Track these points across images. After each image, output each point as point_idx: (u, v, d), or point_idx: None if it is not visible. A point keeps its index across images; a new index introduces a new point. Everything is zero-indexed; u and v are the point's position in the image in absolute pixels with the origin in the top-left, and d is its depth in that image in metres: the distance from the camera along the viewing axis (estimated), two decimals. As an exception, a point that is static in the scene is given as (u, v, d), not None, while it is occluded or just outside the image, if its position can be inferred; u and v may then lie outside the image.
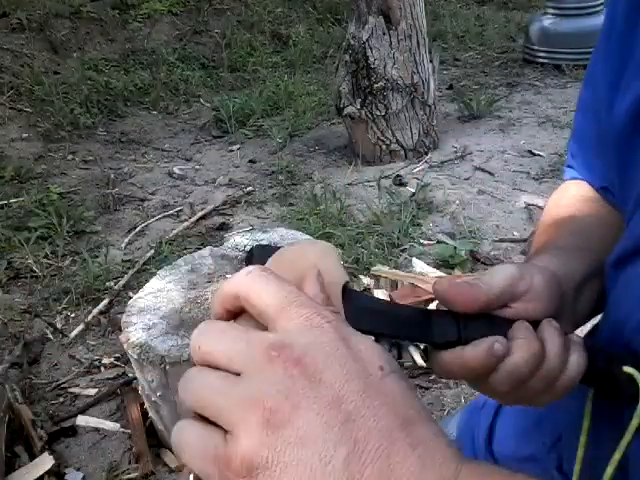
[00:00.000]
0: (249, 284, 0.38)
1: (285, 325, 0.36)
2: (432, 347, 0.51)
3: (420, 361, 2.07)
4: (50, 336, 2.33)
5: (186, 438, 0.36)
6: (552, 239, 0.65)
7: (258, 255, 0.47)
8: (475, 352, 0.48)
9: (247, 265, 0.45)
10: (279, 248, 0.46)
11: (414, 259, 2.55)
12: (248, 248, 0.50)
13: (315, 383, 0.33)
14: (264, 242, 2.04)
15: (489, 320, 0.51)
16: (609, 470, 0.49)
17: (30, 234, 2.86)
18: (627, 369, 0.49)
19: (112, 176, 3.56)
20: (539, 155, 3.56)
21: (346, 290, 0.44)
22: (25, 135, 4.02)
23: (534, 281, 0.53)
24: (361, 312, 0.45)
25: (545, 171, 3.35)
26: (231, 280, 0.40)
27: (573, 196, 0.70)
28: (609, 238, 0.61)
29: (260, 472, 0.32)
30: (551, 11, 4.98)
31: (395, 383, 0.35)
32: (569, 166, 0.73)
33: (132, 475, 1.74)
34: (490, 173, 3.41)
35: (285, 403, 0.33)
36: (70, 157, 3.84)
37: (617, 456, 0.49)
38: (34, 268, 2.68)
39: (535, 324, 0.51)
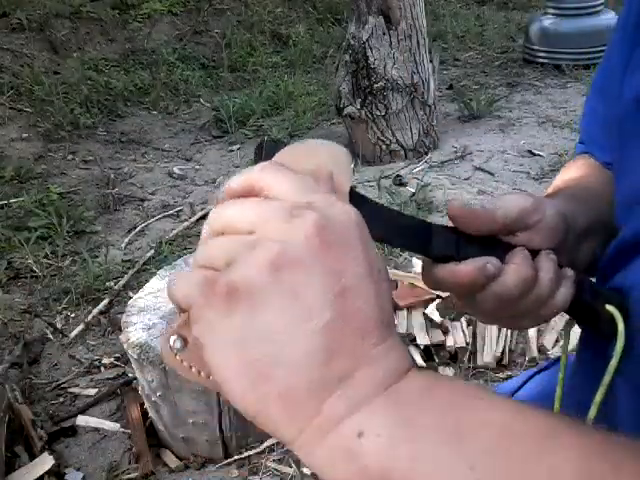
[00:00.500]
0: (264, 177, 0.38)
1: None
2: (428, 259, 0.52)
3: (420, 361, 2.07)
4: (50, 336, 2.33)
5: (181, 275, 0.36)
6: (561, 189, 0.67)
7: (268, 149, 0.47)
8: (467, 269, 0.49)
9: (256, 158, 0.46)
10: (288, 144, 0.46)
11: (414, 259, 2.55)
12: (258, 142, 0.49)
13: (325, 250, 0.34)
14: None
15: (489, 242, 0.52)
16: (592, 410, 0.50)
17: (30, 234, 2.86)
18: (609, 308, 0.50)
19: (112, 176, 3.56)
20: (539, 155, 3.56)
21: (352, 194, 0.45)
22: (25, 135, 4.02)
23: (546, 215, 0.54)
24: (365, 217, 0.45)
25: (545, 171, 3.35)
26: (243, 174, 0.39)
27: (580, 167, 0.72)
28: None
29: (240, 299, 0.33)
30: (551, 11, 4.98)
31: (387, 289, 0.38)
32: (581, 142, 0.75)
33: (132, 475, 1.74)
34: (490, 173, 3.41)
35: (292, 253, 0.34)
36: (70, 157, 3.84)
37: (598, 398, 0.50)
38: (34, 268, 2.68)
39: (535, 253, 0.53)
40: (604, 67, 0.68)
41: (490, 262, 0.49)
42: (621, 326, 0.49)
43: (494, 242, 0.52)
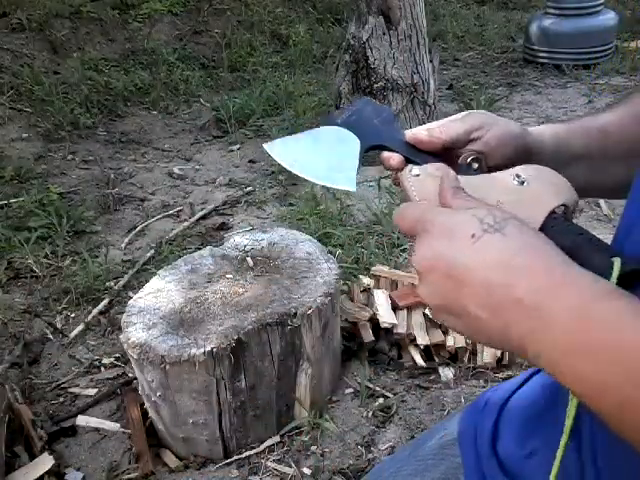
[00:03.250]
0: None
1: None
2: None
3: (420, 361, 2.07)
4: (50, 336, 2.33)
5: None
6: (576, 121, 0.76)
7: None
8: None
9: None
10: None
11: (414, 259, 2.55)
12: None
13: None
14: (264, 242, 2.04)
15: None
16: None
17: (30, 234, 2.86)
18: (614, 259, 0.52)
19: (112, 176, 3.56)
20: (539, 155, 3.56)
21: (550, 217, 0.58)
22: (25, 135, 4.02)
23: (490, 133, 0.68)
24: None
25: (545, 171, 3.35)
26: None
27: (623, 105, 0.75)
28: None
29: None
30: (551, 11, 4.98)
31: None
32: None
33: (132, 475, 1.74)
34: (490, 173, 3.41)
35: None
36: (70, 157, 3.84)
37: None
38: (34, 268, 2.68)
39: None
40: None
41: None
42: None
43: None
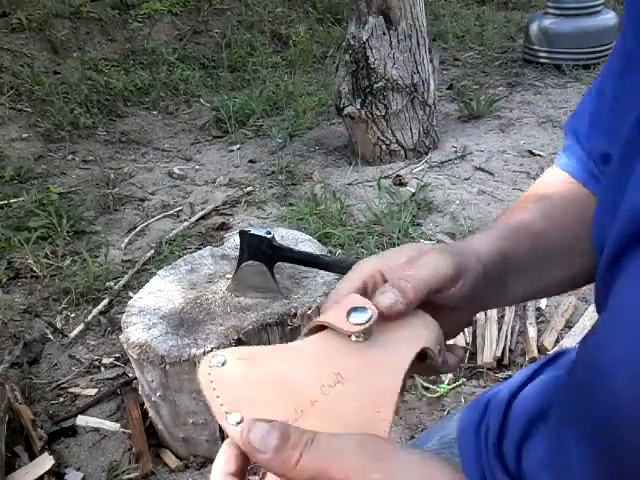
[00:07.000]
0: None
1: None
2: None
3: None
4: (50, 336, 2.33)
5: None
6: (510, 216, 0.69)
7: None
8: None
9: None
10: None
11: (414, 259, 2.55)
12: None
13: None
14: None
15: None
16: None
17: (30, 234, 2.86)
18: None
19: (112, 176, 3.56)
20: (539, 155, 3.56)
21: None
22: (25, 135, 4.02)
23: (466, 279, 0.58)
24: None
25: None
26: None
27: (554, 179, 0.73)
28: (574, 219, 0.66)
29: None
30: (551, 11, 4.97)
31: None
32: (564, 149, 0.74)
33: (132, 475, 1.74)
34: (490, 173, 3.41)
35: None
36: (70, 157, 3.84)
37: None
38: (34, 268, 2.68)
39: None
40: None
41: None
42: None
43: None
